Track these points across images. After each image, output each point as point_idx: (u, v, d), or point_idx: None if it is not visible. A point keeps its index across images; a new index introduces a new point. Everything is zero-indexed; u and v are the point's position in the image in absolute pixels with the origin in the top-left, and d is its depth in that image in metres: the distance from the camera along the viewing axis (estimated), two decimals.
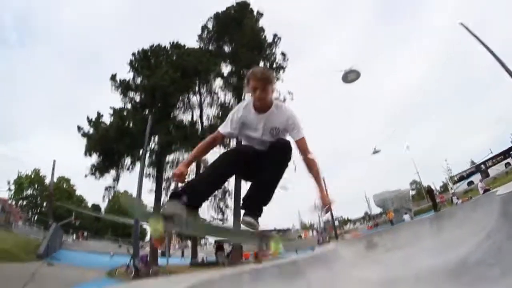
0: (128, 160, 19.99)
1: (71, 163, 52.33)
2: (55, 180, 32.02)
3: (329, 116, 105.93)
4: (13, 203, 35.32)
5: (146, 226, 28.70)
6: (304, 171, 2.31)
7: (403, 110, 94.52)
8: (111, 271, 10.86)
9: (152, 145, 19.97)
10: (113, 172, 19.60)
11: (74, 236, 33.14)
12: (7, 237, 14.37)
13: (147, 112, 19.47)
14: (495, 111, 66.79)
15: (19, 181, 40.31)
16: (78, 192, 47.70)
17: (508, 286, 6.42)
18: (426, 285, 8.61)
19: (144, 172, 17.27)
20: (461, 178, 30.51)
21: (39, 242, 15.36)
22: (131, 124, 19.28)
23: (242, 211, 2.23)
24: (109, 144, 18.38)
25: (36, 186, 41.73)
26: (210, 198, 20.96)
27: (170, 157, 21.28)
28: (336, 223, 34.83)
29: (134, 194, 13.33)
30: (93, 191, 19.97)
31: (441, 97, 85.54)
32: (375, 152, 17.20)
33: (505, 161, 27.04)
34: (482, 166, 29.24)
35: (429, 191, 17.77)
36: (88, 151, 18.98)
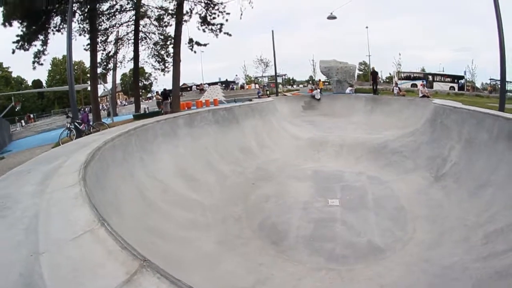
0: (58, 19, 16.57)
1: None
2: None
3: None
4: None
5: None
6: None
7: None
8: (58, 142, 10.58)
9: None
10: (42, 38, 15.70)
11: (23, 122, 31.00)
12: None
13: None
14: (465, 39, 65.11)
15: None
16: (15, 74, 42.97)
17: (418, 176, 7.53)
18: (348, 154, 9.80)
19: (74, 27, 14.68)
20: (407, 77, 31.60)
21: None
22: None
23: None
24: (31, 2, 14.68)
25: None
26: (151, 45, 19.53)
27: (104, 6, 17.49)
28: (280, 80, 35.62)
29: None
30: (30, 67, 17.18)
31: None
32: (331, 17, 16.46)
33: (451, 85, 29.11)
34: (430, 77, 30.57)
35: (373, 73, 17.69)
36: (7, 19, 15.24)
